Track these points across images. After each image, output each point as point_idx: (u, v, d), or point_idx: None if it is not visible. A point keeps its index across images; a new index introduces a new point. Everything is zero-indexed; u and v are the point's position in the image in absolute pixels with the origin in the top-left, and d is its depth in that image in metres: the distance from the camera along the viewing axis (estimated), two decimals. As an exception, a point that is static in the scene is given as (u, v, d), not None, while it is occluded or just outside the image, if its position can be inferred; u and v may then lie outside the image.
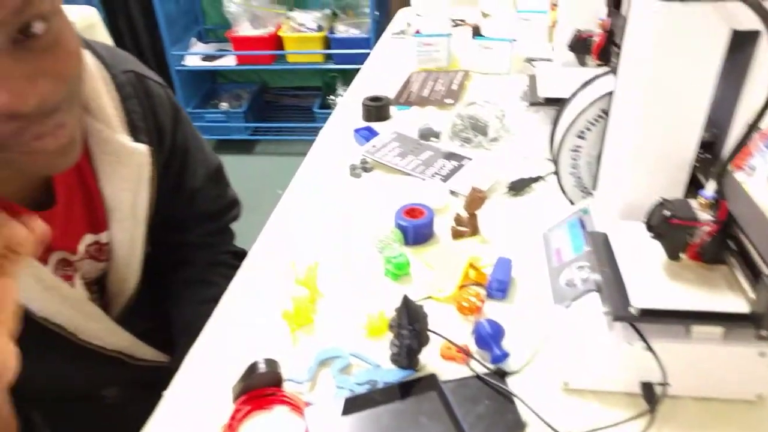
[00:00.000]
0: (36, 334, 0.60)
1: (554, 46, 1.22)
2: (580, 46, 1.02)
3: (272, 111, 2.97)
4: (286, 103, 3.04)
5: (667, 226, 0.50)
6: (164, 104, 0.74)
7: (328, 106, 2.71)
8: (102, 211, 0.68)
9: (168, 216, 0.77)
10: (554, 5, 1.68)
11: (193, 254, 0.84)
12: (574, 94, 0.81)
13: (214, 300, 0.74)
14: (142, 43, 2.82)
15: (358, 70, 2.80)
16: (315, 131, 2.75)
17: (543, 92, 0.99)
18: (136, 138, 0.68)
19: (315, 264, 0.71)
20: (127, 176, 0.67)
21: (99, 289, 0.73)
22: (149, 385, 0.77)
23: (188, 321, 0.78)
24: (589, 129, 0.76)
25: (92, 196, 0.67)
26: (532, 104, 1.01)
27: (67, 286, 0.63)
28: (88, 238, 0.68)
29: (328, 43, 2.57)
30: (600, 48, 0.99)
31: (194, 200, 0.82)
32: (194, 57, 2.69)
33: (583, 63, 1.05)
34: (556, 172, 0.80)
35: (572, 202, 0.80)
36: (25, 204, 0.60)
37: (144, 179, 0.69)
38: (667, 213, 0.50)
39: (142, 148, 0.67)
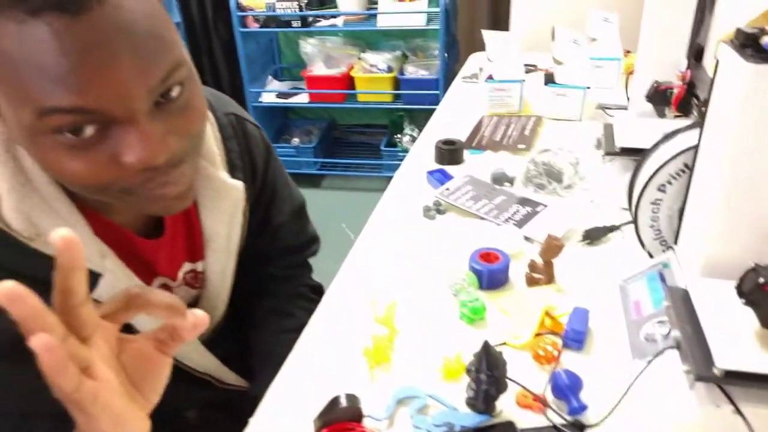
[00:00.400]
0: None
1: (630, 95, 1.23)
2: (658, 97, 1.02)
3: (340, 147, 3.07)
4: (354, 139, 3.13)
5: (762, 294, 0.49)
6: (259, 145, 0.80)
7: (394, 144, 2.78)
8: (200, 242, 0.73)
9: (254, 248, 0.82)
10: (627, 52, 1.69)
11: (274, 286, 0.88)
12: (655, 146, 0.81)
13: (293, 330, 0.77)
14: (222, 79, 3.00)
15: (425, 109, 2.86)
16: (381, 168, 2.82)
17: (621, 142, 0.99)
18: (233, 175, 0.73)
19: (393, 303, 0.74)
20: (225, 210, 0.72)
21: None
22: (227, 408, 0.81)
23: (267, 349, 0.82)
24: (670, 182, 0.76)
25: (192, 227, 0.72)
26: (608, 153, 1.01)
27: None
28: (186, 266, 0.74)
29: (398, 83, 2.65)
30: (679, 100, 0.99)
31: (278, 234, 0.86)
32: (270, 94, 2.83)
33: (661, 114, 1.05)
34: (635, 224, 0.80)
35: (651, 255, 0.79)
36: (137, 233, 0.66)
37: (238, 213, 0.74)
38: (761, 280, 0.49)
39: (239, 185, 0.73)
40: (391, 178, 1.16)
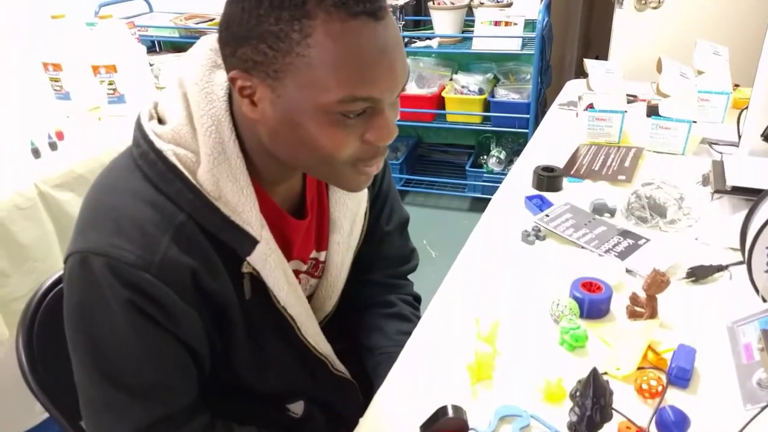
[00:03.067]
0: (276, 320, 0.73)
1: (742, 132, 1.19)
2: (776, 137, 0.99)
3: (424, 164, 3.12)
4: (437, 158, 3.17)
5: None
6: None
7: (479, 165, 2.79)
8: (326, 232, 0.81)
9: (359, 253, 0.88)
10: (736, 86, 1.63)
11: (384, 294, 0.94)
12: (773, 189, 0.80)
13: (408, 333, 0.83)
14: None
15: (512, 132, 2.85)
16: (464, 188, 2.83)
17: (732, 180, 0.97)
18: None
19: (497, 322, 0.77)
20: (350, 206, 0.81)
21: None
22: (329, 403, 0.86)
23: (386, 347, 0.87)
24: (790, 227, 0.74)
25: (323, 217, 0.80)
26: (717, 191, 0.99)
27: (300, 288, 0.75)
28: (313, 254, 0.81)
29: (488, 105, 2.67)
30: (800, 142, 0.96)
31: (384, 243, 0.92)
32: (361, 110, 2.92)
33: (778, 155, 1.02)
34: (748, 268, 0.78)
35: (765, 300, 0.78)
36: (288, 213, 0.74)
37: (361, 211, 0.83)
38: None
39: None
40: (473, 198, 1.19)
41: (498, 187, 1.25)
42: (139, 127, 0.65)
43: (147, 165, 0.62)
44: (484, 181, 2.75)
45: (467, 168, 2.80)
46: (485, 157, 2.79)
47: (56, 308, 0.80)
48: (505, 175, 1.31)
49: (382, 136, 0.61)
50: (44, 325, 0.81)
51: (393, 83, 0.58)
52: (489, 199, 1.20)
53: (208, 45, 0.66)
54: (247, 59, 0.57)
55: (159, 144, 0.62)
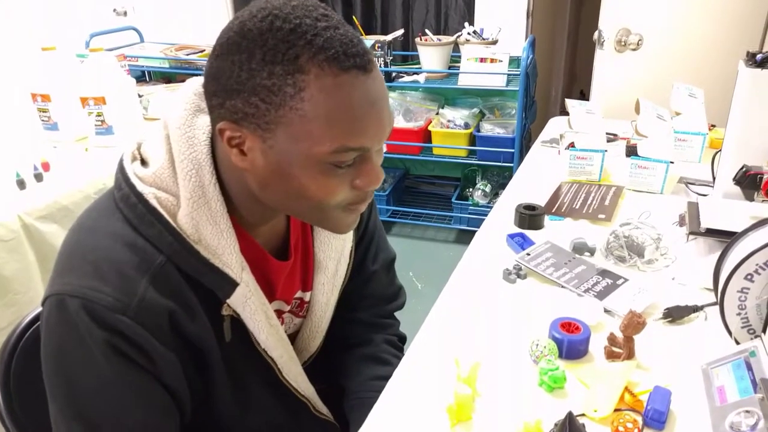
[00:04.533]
0: (257, 362, 0.73)
1: (717, 174, 1.23)
2: (747, 181, 1.03)
3: (410, 196, 3.15)
4: (424, 189, 3.21)
5: None
6: None
7: (466, 198, 2.83)
8: (311, 273, 0.81)
9: (345, 292, 0.88)
10: (712, 126, 1.69)
11: (368, 334, 0.94)
12: (744, 233, 0.82)
13: (386, 378, 0.83)
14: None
15: (498, 166, 2.89)
16: (450, 220, 2.85)
17: (706, 223, 1.00)
18: None
19: (477, 364, 0.77)
20: (335, 247, 0.81)
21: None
22: None
23: (364, 394, 0.87)
24: (758, 272, 0.77)
25: (308, 258, 0.81)
26: (692, 233, 1.02)
27: (282, 329, 0.76)
28: (298, 294, 0.82)
29: (473, 139, 2.72)
30: (770, 186, 0.99)
31: (370, 281, 0.93)
32: (349, 142, 2.95)
33: (750, 198, 1.05)
34: (721, 310, 0.80)
35: (738, 342, 0.79)
36: (271, 254, 0.74)
37: (346, 251, 0.84)
38: None
39: None
40: (459, 230, 1.21)
41: (483, 219, 1.28)
42: (121, 170, 0.66)
43: (127, 208, 0.63)
44: (469, 213, 2.78)
45: (453, 200, 2.83)
46: (471, 189, 2.83)
47: (35, 345, 0.80)
48: (491, 207, 1.34)
49: (371, 182, 0.63)
50: (22, 361, 0.80)
51: (382, 132, 0.61)
52: (474, 231, 1.21)
53: (192, 89, 0.67)
54: (237, 111, 0.58)
55: (140, 187, 0.63)
